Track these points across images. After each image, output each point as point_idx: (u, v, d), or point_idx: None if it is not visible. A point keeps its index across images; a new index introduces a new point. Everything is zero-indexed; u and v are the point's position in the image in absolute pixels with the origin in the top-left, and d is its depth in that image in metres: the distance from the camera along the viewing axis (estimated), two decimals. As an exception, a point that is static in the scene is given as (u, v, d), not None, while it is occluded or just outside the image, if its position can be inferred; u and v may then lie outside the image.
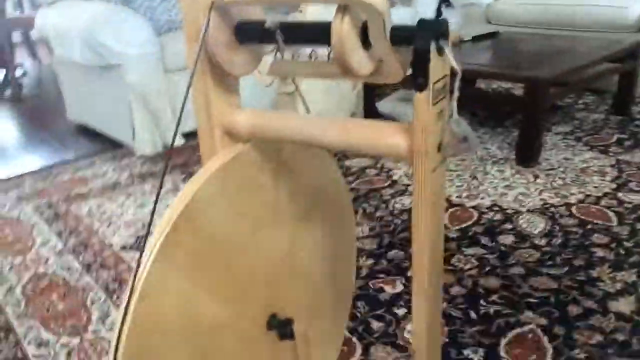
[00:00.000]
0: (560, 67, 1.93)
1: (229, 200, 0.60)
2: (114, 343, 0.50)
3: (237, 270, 0.63)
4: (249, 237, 0.64)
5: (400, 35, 0.49)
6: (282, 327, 0.71)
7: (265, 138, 0.60)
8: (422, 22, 0.48)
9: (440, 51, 0.48)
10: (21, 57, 4.85)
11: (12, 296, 1.37)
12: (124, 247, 1.57)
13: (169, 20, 2.69)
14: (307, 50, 0.63)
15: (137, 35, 2.23)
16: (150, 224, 0.55)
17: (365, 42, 0.52)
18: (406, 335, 1.13)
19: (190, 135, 2.48)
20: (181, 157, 2.33)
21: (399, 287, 1.29)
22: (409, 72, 0.49)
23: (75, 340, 1.18)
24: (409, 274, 1.34)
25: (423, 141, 0.47)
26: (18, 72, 4.16)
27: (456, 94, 0.52)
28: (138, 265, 0.52)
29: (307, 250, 0.76)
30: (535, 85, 1.85)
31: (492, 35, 2.54)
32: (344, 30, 0.49)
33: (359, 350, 1.09)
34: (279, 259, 0.71)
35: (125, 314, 0.50)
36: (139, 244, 1.59)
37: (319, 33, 0.53)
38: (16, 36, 4.82)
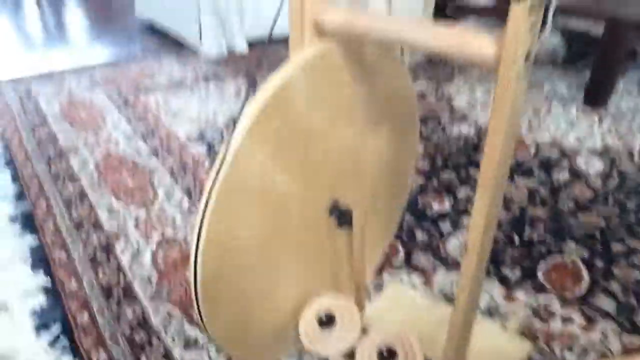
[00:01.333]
0: (649, 8, 1.82)
1: (313, 92, 0.64)
2: (204, 198, 0.56)
3: (310, 153, 0.68)
4: (324, 127, 0.68)
5: None
6: (342, 214, 0.77)
7: (354, 35, 0.62)
8: None
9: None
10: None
11: (86, 169, 1.49)
12: (188, 139, 1.66)
13: None
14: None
15: None
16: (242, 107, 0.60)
17: None
18: (449, 248, 1.18)
19: (255, 44, 2.51)
20: (244, 63, 2.37)
21: (447, 206, 1.33)
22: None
23: (143, 211, 1.30)
24: (458, 194, 1.37)
25: (513, 49, 0.49)
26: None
27: (554, 3, 0.52)
28: (229, 136, 0.57)
29: (372, 151, 0.80)
30: (616, 24, 1.76)
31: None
32: None
33: (401, 254, 1.16)
34: (348, 153, 0.75)
35: (218, 173, 0.56)
36: (203, 138, 1.67)
37: None
38: None
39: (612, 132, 1.70)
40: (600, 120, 1.78)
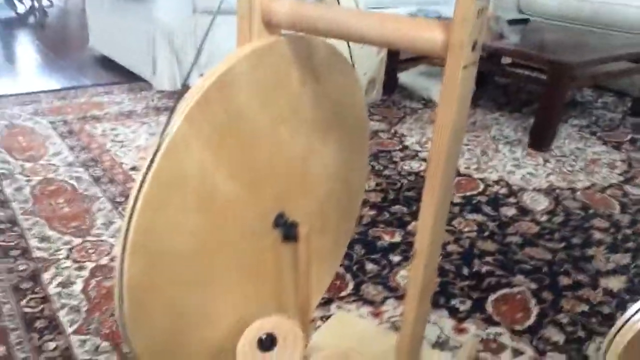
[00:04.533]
0: (584, 56, 1.93)
1: (258, 85, 0.61)
2: (134, 193, 0.52)
3: (255, 156, 0.64)
4: (270, 128, 0.65)
5: None
6: (288, 228, 0.73)
7: (302, 28, 0.61)
8: None
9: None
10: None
11: (21, 194, 1.40)
12: (134, 168, 1.60)
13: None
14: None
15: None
16: (187, 77, 0.57)
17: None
18: (398, 279, 1.15)
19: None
20: (198, 97, 2.34)
21: (398, 238, 1.31)
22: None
23: (78, 239, 1.21)
24: (409, 227, 1.36)
25: (461, 35, 0.48)
26: (45, 1, 4.16)
27: None
28: (166, 125, 0.54)
29: (320, 161, 0.78)
30: (559, 68, 1.85)
31: (523, 21, 2.52)
32: None
33: (350, 286, 1.12)
34: (294, 160, 0.72)
35: (151, 163, 0.51)
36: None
37: None
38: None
39: (557, 172, 1.75)
40: (545, 161, 1.84)
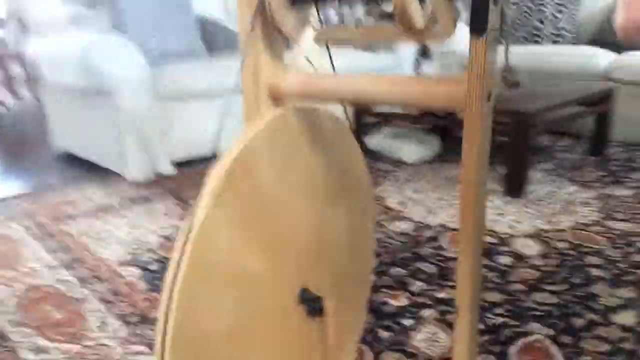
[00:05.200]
0: (544, 104, 2.04)
1: (274, 158, 0.62)
2: (169, 282, 0.50)
3: (277, 230, 0.63)
4: (289, 201, 0.65)
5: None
6: (312, 302, 0.71)
7: (314, 96, 0.62)
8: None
9: (495, 1, 0.52)
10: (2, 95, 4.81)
11: (5, 306, 1.31)
12: (119, 263, 1.54)
13: (162, 50, 2.74)
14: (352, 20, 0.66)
15: (131, 60, 2.27)
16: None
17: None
18: (415, 343, 1.12)
19: (182, 164, 2.50)
20: (173, 183, 2.32)
21: (404, 301, 1.29)
22: (459, 26, 0.53)
23: (76, 347, 1.14)
24: (412, 288, 1.34)
25: (477, 86, 0.51)
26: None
27: (507, 46, 0.55)
28: (194, 211, 0.52)
29: (334, 229, 0.77)
30: (521, 117, 1.95)
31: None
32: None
33: (370, 358, 1.08)
34: (311, 230, 0.71)
35: (183, 251, 0.50)
36: (135, 260, 1.55)
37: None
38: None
39: (539, 215, 1.80)
40: (525, 206, 1.88)
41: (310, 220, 0.71)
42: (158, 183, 2.33)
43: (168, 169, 2.42)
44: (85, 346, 1.14)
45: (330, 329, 0.74)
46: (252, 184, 0.59)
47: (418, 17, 0.54)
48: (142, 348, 1.13)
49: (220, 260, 0.54)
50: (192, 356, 0.51)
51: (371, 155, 2.62)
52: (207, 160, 2.60)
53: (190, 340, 0.50)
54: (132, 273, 1.47)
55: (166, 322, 0.49)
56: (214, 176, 0.55)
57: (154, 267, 1.51)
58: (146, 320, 1.23)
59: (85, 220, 1.89)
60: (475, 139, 0.53)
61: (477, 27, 0.49)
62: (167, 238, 1.71)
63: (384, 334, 1.16)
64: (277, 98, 0.64)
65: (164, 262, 1.55)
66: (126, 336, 1.17)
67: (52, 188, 2.33)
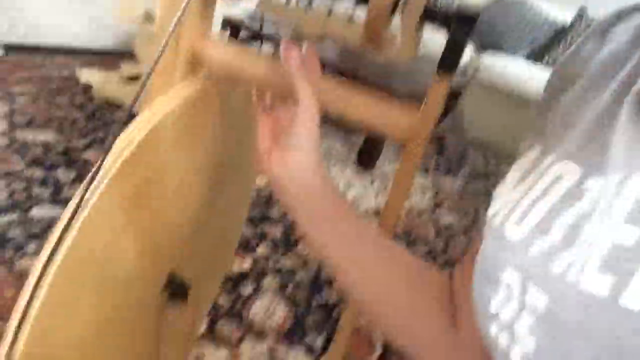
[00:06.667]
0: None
1: (181, 139, 0.53)
2: (32, 282, 0.40)
3: (162, 215, 0.56)
4: (182, 184, 0.57)
5: (436, 14, 0.49)
6: (178, 288, 0.66)
7: (236, 76, 0.54)
8: (462, 9, 0.48)
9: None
10: None
11: None
12: None
13: None
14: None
15: None
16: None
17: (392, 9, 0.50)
18: (251, 315, 1.13)
19: (13, 49, 2.13)
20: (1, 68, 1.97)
21: (246, 266, 1.28)
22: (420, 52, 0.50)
23: None
24: (258, 251, 1.34)
25: (427, 124, 0.50)
26: None
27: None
28: (85, 189, 0.42)
29: (214, 211, 0.72)
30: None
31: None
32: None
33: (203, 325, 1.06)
34: (192, 214, 0.65)
35: (59, 243, 0.40)
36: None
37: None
38: None
39: (384, 193, 1.90)
40: (372, 182, 1.98)
41: (195, 204, 0.64)
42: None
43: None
44: None
45: (192, 309, 0.70)
46: (151, 167, 0.50)
47: (386, 31, 0.49)
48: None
49: (99, 254, 0.45)
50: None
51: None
52: (41, 49, 2.24)
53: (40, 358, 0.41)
54: None
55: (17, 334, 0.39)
56: (112, 158, 0.44)
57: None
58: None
59: None
60: (409, 170, 0.52)
61: (446, 67, 0.47)
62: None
63: (222, 301, 1.14)
64: (195, 65, 0.55)
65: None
66: None
67: None
